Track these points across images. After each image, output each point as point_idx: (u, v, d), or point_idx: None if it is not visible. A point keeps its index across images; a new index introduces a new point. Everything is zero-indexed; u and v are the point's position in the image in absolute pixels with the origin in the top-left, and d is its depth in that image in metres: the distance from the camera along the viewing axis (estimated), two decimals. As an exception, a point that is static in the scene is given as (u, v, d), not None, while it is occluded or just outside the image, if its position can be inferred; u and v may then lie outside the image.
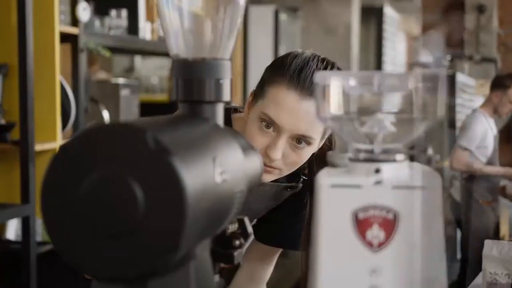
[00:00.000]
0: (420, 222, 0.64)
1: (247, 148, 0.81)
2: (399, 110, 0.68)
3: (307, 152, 1.23)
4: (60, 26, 2.47)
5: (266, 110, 1.19)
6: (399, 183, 0.64)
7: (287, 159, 1.22)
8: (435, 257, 0.64)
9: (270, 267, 1.49)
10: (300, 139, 1.21)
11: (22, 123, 2.27)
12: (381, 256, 0.64)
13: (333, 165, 0.73)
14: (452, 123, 6.78)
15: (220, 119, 0.75)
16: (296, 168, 1.26)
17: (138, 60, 5.48)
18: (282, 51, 6.02)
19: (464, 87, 7.13)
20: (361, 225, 0.64)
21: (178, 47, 0.75)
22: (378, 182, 0.64)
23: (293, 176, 1.36)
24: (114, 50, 3.20)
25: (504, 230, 4.75)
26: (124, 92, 3.02)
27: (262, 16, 5.28)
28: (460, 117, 6.84)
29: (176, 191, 0.57)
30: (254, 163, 0.82)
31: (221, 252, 0.79)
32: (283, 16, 5.50)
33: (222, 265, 0.84)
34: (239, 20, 0.77)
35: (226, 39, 0.76)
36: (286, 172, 1.25)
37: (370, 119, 0.67)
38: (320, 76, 0.67)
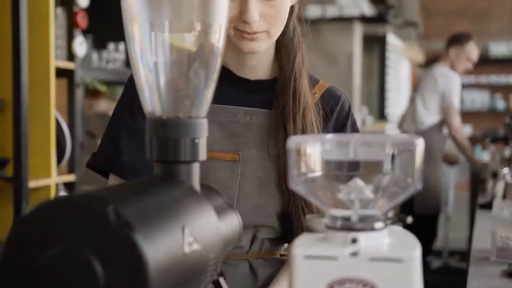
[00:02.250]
0: (399, 295, 0.61)
1: (223, 208, 0.78)
2: (377, 176, 0.65)
3: (283, 1, 1.15)
4: (56, 61, 2.46)
5: None
6: (377, 254, 0.61)
7: (266, 17, 1.14)
8: (415, 333, 0.61)
9: None
10: None
11: (16, 159, 2.25)
12: (358, 331, 0.61)
13: (311, 230, 0.70)
14: (382, 83, 6.85)
15: (195, 180, 0.72)
16: (282, 27, 1.17)
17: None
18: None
19: (393, 48, 7.14)
20: (336, 298, 0.61)
21: (153, 104, 0.73)
22: (354, 254, 0.61)
23: None
24: (112, 82, 3.20)
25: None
26: (122, 125, 2.99)
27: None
28: (389, 79, 6.90)
29: (138, 269, 0.54)
30: (230, 223, 0.79)
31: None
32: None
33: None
34: (216, 75, 0.74)
35: (202, 95, 0.73)
36: (275, 33, 1.17)
37: (346, 185, 0.64)
38: (293, 141, 0.64)
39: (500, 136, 4.88)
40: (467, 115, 9.54)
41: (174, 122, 0.71)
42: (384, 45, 7.05)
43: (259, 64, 1.24)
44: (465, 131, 9.26)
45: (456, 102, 4.17)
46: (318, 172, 0.65)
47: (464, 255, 5.05)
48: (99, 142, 2.89)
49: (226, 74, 1.22)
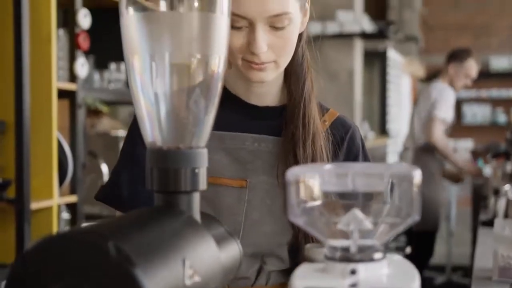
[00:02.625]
0: (398, 327, 0.61)
1: (224, 237, 0.78)
2: (376, 207, 0.66)
3: (291, 31, 1.13)
4: (58, 82, 2.48)
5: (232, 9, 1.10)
6: (376, 285, 0.62)
7: (274, 47, 1.12)
8: None
9: None
10: (276, 23, 1.10)
11: (18, 181, 2.25)
12: None
13: (311, 260, 0.71)
14: (383, 98, 6.87)
15: (196, 209, 0.73)
16: (290, 56, 1.16)
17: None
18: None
19: (393, 64, 7.15)
20: (336, 330, 0.61)
21: (153, 135, 0.73)
22: (353, 285, 0.62)
23: None
24: (114, 102, 3.21)
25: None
26: (124, 145, 3.01)
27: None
28: (390, 94, 6.94)
29: (139, 303, 0.54)
30: (231, 252, 0.79)
31: None
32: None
33: None
34: (216, 103, 0.75)
35: (202, 125, 0.74)
36: (283, 62, 1.16)
37: (345, 215, 0.65)
38: (292, 172, 0.65)
39: (501, 150, 4.87)
40: (469, 129, 9.57)
41: (174, 153, 0.72)
42: (385, 61, 7.07)
43: (268, 91, 1.24)
44: (467, 145, 9.28)
45: (442, 113, 4.11)
46: (317, 203, 0.66)
47: (467, 271, 5.04)
48: (100, 162, 2.91)
49: (235, 101, 1.23)
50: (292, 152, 1.18)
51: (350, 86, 5.46)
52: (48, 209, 2.44)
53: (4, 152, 2.38)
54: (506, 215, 2.73)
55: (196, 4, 0.74)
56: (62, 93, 2.55)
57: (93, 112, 3.69)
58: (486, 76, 9.43)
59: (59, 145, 2.49)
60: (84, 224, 2.61)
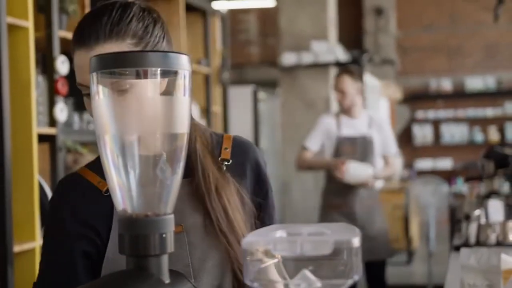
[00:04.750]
0: None
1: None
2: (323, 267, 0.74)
3: (135, 94, 1.18)
4: (38, 127, 2.54)
5: (78, 81, 1.19)
6: None
7: None
8: None
9: None
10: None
11: (0, 225, 2.31)
12: None
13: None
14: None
15: (164, 271, 0.81)
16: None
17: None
18: (262, 129, 6.19)
19: (370, 88, 7.24)
20: None
21: (124, 203, 0.81)
22: None
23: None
24: (94, 143, 3.27)
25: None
26: (104, 183, 3.07)
27: (242, 96, 5.48)
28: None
29: None
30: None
31: None
32: (261, 95, 5.65)
33: None
34: (179, 175, 0.83)
35: (168, 194, 0.82)
36: None
37: (296, 276, 0.73)
38: (246, 241, 0.73)
39: (476, 172, 4.95)
40: (447, 149, 9.73)
41: (143, 220, 0.80)
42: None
43: None
44: (446, 164, 9.40)
45: (307, 141, 4.10)
46: (270, 266, 0.74)
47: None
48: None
49: None
50: (203, 205, 1.26)
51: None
52: (31, 251, 2.49)
53: (-13, 197, 2.43)
54: (477, 241, 2.81)
55: (159, 89, 0.83)
56: (42, 137, 2.61)
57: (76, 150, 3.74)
58: (462, 96, 9.64)
59: (41, 188, 2.55)
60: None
